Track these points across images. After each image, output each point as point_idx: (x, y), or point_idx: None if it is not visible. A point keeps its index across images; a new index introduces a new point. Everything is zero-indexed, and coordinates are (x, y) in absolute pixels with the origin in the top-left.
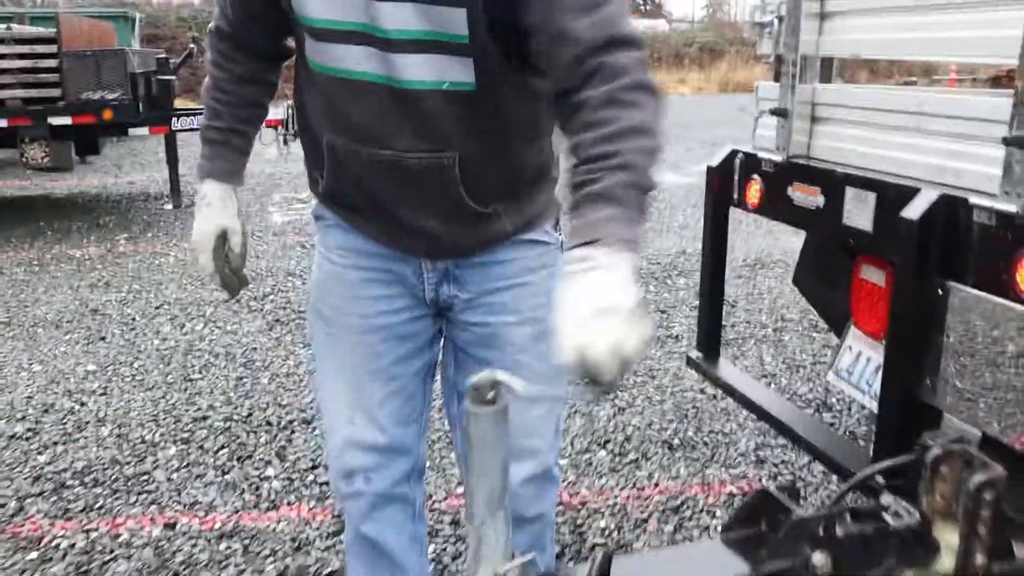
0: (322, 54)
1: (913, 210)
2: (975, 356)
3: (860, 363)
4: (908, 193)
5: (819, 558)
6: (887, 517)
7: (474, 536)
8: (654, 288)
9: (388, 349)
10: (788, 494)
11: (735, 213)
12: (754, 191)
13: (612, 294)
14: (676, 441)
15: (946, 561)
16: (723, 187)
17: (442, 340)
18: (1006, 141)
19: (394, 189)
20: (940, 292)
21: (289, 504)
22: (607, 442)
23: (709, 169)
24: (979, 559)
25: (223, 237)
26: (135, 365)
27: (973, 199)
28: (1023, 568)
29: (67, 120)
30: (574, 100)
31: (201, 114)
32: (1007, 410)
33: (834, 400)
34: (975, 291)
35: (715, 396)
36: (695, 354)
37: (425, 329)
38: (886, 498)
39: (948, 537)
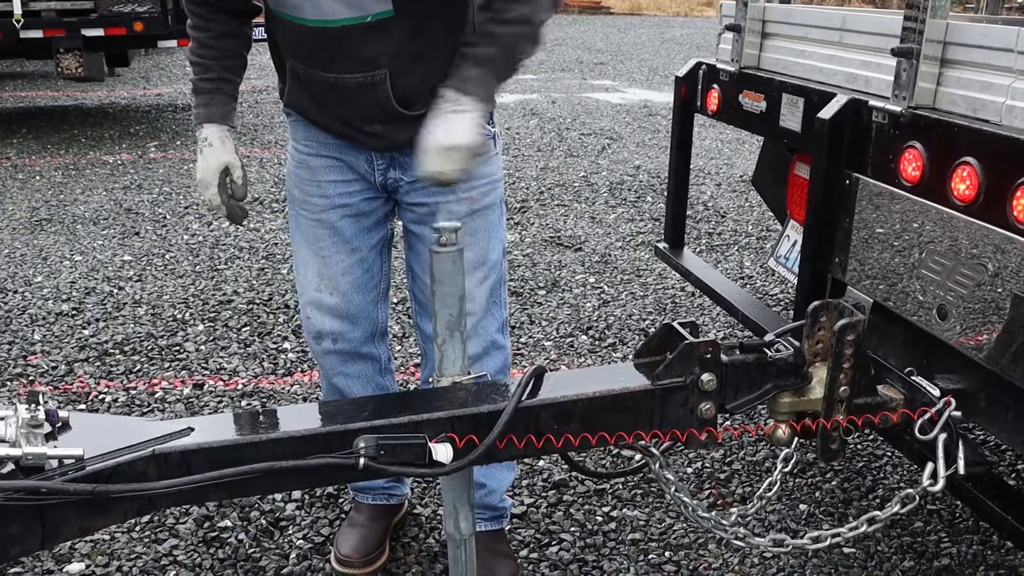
0: (278, 3)
1: (827, 111)
2: (871, 237)
3: (795, 250)
4: (827, 97)
5: (707, 377)
6: (769, 351)
7: (437, 353)
8: (651, 199)
9: (348, 224)
10: (689, 329)
11: (738, 132)
12: (713, 98)
13: (460, 133)
14: (652, 330)
15: (818, 391)
16: (689, 94)
17: (394, 219)
18: (893, 52)
19: (340, 102)
20: (847, 182)
21: (303, 371)
22: (589, 329)
23: (677, 79)
24: (843, 391)
25: (225, 172)
26: (167, 256)
27: (873, 102)
28: (882, 403)
29: (99, 32)
30: None
31: None
32: (892, 282)
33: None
34: (872, 180)
35: (693, 294)
36: (663, 245)
37: (379, 208)
38: (770, 336)
39: (821, 374)
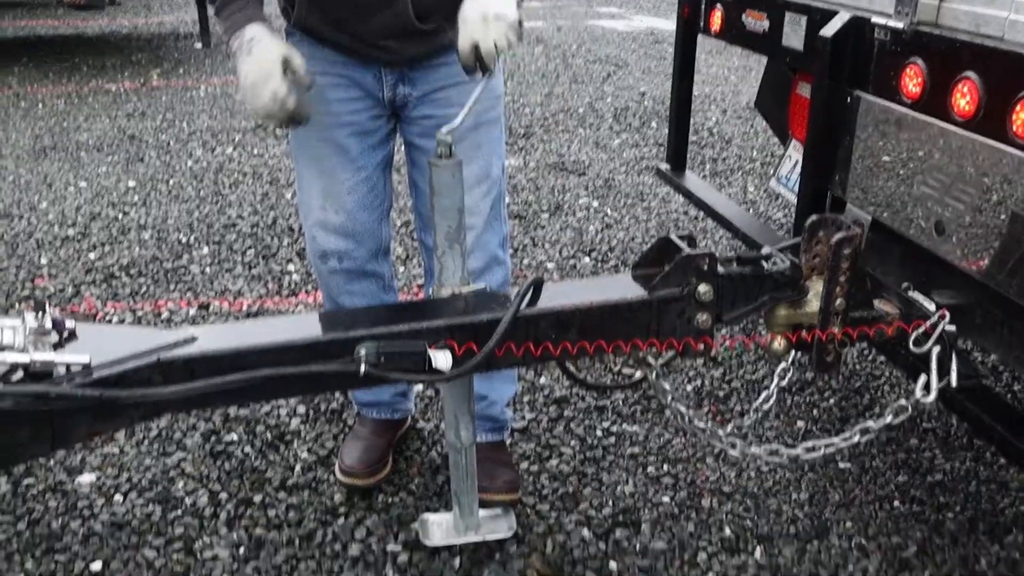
0: None
1: (829, 28)
2: (871, 154)
3: (796, 170)
4: (829, 15)
5: (703, 288)
6: (765, 264)
7: (437, 265)
8: (656, 125)
9: (354, 142)
10: (687, 241)
11: (744, 60)
12: (716, 18)
13: (503, 4)
14: None
15: (814, 304)
16: (692, 15)
17: (396, 137)
18: None
19: (357, 18)
20: (848, 100)
21: (307, 292)
22: (592, 251)
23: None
24: (838, 303)
25: (284, 65)
26: (171, 182)
27: (875, 19)
28: (878, 317)
29: None
30: None
31: None
32: (891, 198)
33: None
34: (873, 97)
35: (696, 217)
36: (664, 166)
37: (383, 125)
38: (767, 249)
39: (818, 287)
